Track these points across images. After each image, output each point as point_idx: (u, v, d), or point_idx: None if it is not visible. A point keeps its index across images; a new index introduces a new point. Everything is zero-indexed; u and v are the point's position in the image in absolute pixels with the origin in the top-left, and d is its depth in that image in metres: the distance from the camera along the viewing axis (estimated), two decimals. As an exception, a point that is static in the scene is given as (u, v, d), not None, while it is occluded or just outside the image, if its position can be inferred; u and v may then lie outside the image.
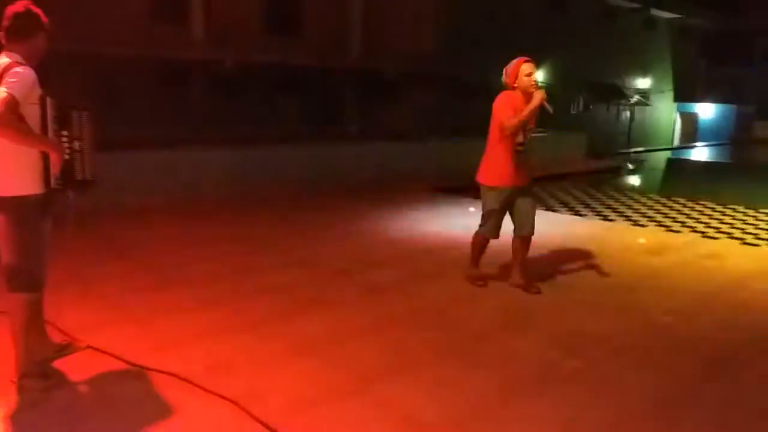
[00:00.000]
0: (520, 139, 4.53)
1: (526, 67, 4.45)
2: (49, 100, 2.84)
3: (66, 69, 11.70)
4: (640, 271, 5.53)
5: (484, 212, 4.73)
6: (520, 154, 4.57)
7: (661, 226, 8.05)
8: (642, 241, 6.80)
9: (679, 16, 26.51)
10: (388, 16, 17.74)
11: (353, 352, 3.67)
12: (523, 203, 4.68)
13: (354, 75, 16.59)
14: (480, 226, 4.80)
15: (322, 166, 10.76)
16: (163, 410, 2.93)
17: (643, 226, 8.01)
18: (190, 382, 3.17)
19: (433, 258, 5.87)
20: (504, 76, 4.56)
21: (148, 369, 3.30)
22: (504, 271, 5.11)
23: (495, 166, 4.60)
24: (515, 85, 4.49)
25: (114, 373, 3.28)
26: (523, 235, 4.74)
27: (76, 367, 3.29)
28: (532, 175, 4.76)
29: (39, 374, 3.04)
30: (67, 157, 2.91)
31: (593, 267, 5.58)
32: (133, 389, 3.13)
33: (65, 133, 2.92)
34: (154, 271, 5.07)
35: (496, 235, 4.74)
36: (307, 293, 4.66)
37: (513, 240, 4.81)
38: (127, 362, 3.38)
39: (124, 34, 12.42)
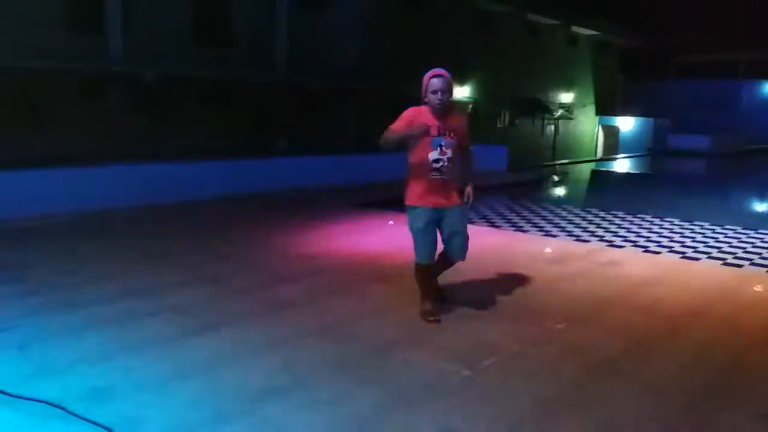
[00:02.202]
0: (433, 156, 4.23)
1: (434, 83, 4.18)
2: None
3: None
4: (542, 280, 5.69)
5: (411, 234, 4.40)
6: (439, 173, 4.26)
7: (571, 235, 8.34)
8: (548, 250, 7.02)
9: (598, 33, 27.74)
10: (313, 31, 17.78)
11: (244, 371, 3.61)
12: (448, 225, 4.36)
13: (280, 89, 16.51)
14: (414, 251, 4.42)
15: (244, 180, 10.67)
16: (30, 441, 2.80)
17: (553, 236, 8.28)
18: (64, 409, 3.04)
19: (344, 273, 5.86)
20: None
21: (20, 398, 3.14)
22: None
23: (411, 185, 4.36)
24: (424, 99, 4.25)
25: (-18, 404, 3.11)
26: (454, 259, 4.52)
27: (-61, 399, 3.11)
28: (464, 193, 4.47)
29: None
30: None
31: (496, 277, 5.71)
32: (2, 420, 2.97)
33: None
34: (43, 292, 4.86)
35: (429, 258, 4.36)
36: (205, 312, 4.57)
37: (443, 255, 4.52)
38: (2, 392, 3.21)
39: (38, 47, 11.96)
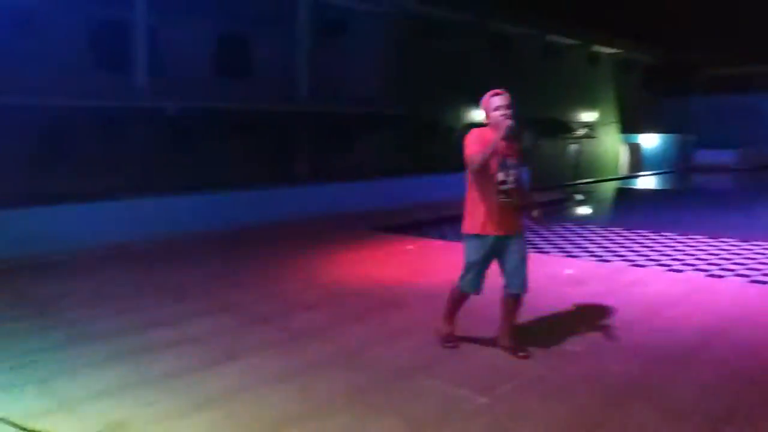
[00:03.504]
0: (500, 177, 4.08)
1: (496, 100, 4.12)
2: None
3: (10, 121, 11.60)
4: (563, 302, 5.63)
5: (465, 263, 4.26)
6: (505, 196, 4.11)
7: (593, 255, 8.24)
8: (569, 271, 6.94)
9: (620, 51, 27.65)
10: (335, 59, 18.05)
11: (260, 401, 3.63)
12: (511, 255, 4.18)
13: (303, 117, 16.76)
14: (460, 278, 4.31)
15: (266, 208, 10.79)
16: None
17: (575, 256, 8.18)
18: (79, 443, 3.09)
19: (362, 299, 5.87)
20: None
21: (37, 432, 3.21)
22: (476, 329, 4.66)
23: (473, 212, 4.17)
24: (488, 120, 4.17)
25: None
26: (512, 293, 4.26)
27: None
28: (529, 218, 4.33)
29: None
30: None
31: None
32: (20, 454, 3.04)
33: None
34: (64, 326, 4.96)
35: (476, 291, 4.26)
36: (224, 342, 4.61)
37: (502, 296, 4.34)
38: (21, 428, 3.27)
39: (66, 85, 12.36)
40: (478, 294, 4.31)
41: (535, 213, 4.36)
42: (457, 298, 4.39)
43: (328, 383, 3.88)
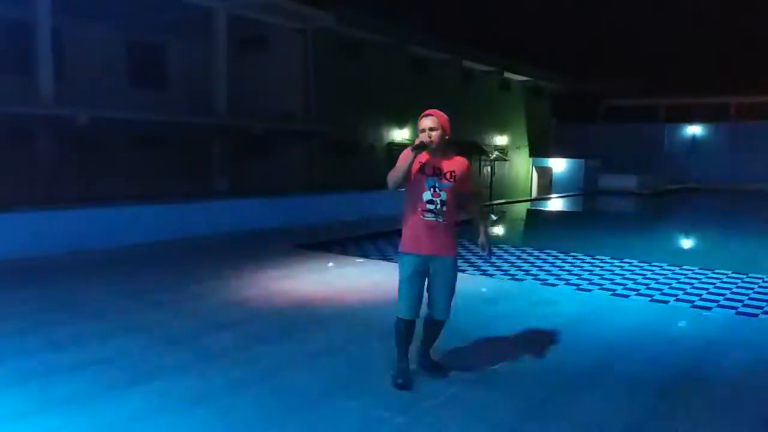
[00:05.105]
0: (427, 196, 4.04)
1: (422, 122, 4.08)
2: None
3: None
4: (478, 320, 5.76)
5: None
6: (432, 215, 4.04)
7: (506, 274, 8.50)
8: (483, 290, 7.12)
9: (530, 78, 28.96)
10: (255, 74, 17.86)
11: (171, 426, 3.48)
12: (438, 278, 4.13)
13: (221, 131, 16.43)
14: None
15: (184, 223, 10.45)
16: None
17: (489, 275, 8.41)
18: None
19: (279, 318, 5.78)
20: None
21: None
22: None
23: (404, 230, 4.14)
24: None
25: None
26: (434, 318, 4.25)
27: None
28: (479, 244, 4.36)
29: None
30: None
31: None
32: None
33: None
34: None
35: (411, 314, 4.08)
36: (133, 364, 4.40)
37: (425, 318, 4.30)
38: None
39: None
40: (413, 318, 4.12)
41: (480, 239, 4.38)
42: (401, 330, 4.15)
43: (244, 406, 3.77)
